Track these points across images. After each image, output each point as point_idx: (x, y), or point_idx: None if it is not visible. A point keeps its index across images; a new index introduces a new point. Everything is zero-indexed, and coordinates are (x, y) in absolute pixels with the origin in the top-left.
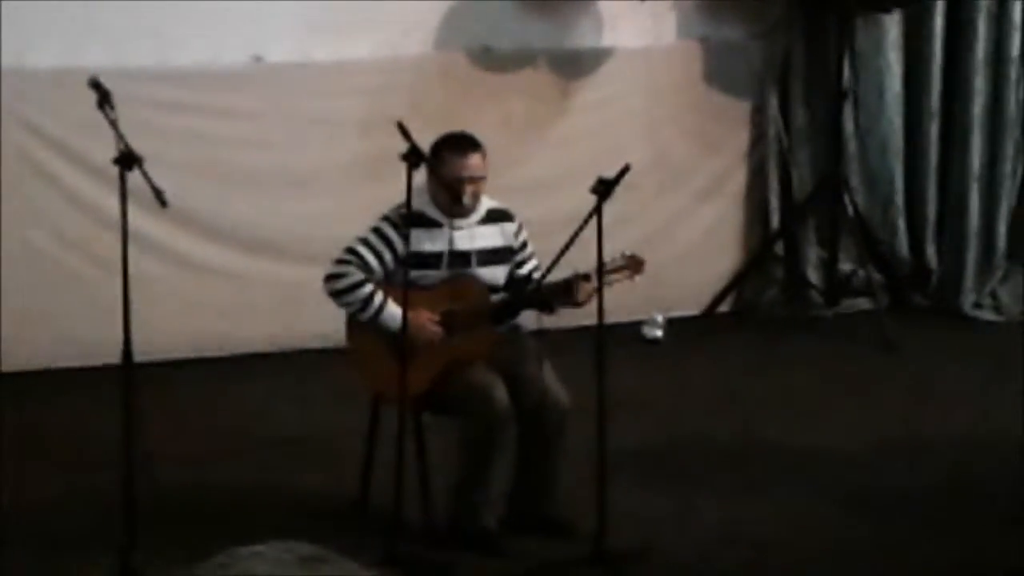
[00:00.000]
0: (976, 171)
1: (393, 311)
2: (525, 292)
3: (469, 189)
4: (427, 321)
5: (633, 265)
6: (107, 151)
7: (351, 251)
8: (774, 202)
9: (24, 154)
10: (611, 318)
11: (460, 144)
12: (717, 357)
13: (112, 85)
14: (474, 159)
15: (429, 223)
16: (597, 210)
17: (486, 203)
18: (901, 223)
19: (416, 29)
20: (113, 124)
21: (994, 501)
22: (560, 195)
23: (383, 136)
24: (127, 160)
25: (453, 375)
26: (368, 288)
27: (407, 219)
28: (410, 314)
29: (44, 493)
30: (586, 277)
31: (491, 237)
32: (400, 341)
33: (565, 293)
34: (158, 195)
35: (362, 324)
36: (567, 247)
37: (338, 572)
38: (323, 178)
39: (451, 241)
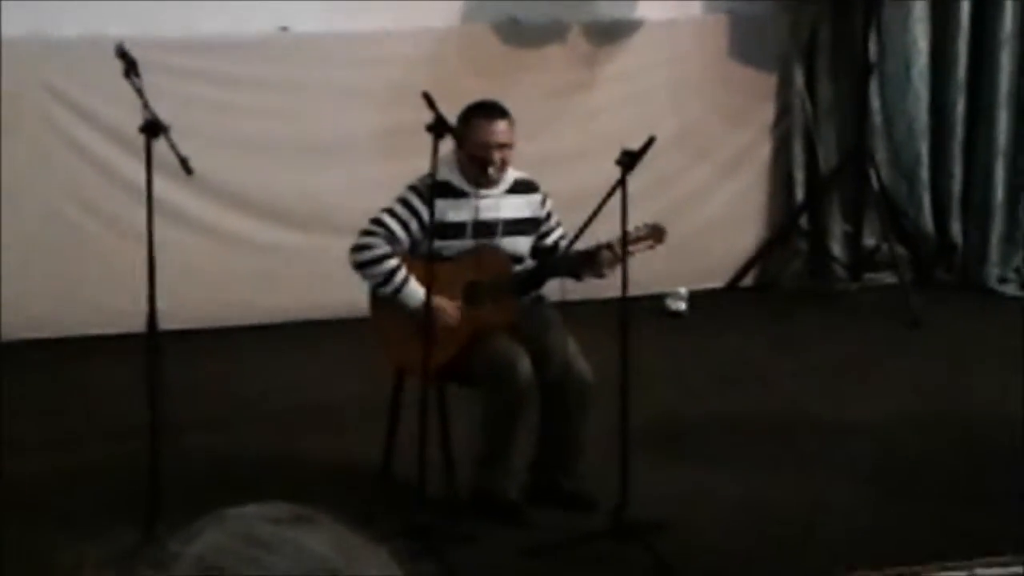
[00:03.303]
0: (1002, 146)
1: (414, 288)
2: (552, 261)
3: (497, 156)
4: (445, 309)
5: (655, 234)
6: (133, 119)
7: (378, 222)
8: (799, 176)
9: (50, 122)
10: (635, 290)
11: (489, 111)
12: (740, 330)
13: (138, 54)
14: (502, 125)
15: (455, 193)
16: (622, 182)
17: (512, 174)
18: (926, 198)
19: (443, 1)
20: (139, 92)
21: (1017, 477)
22: (586, 167)
23: (409, 108)
24: (153, 128)
25: (476, 347)
26: (392, 263)
27: (432, 189)
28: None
29: (68, 461)
30: (608, 247)
31: (517, 208)
32: (422, 314)
33: (588, 263)
34: (183, 163)
35: (386, 296)
36: (592, 218)
37: (320, 533)
38: (348, 149)
39: (476, 211)
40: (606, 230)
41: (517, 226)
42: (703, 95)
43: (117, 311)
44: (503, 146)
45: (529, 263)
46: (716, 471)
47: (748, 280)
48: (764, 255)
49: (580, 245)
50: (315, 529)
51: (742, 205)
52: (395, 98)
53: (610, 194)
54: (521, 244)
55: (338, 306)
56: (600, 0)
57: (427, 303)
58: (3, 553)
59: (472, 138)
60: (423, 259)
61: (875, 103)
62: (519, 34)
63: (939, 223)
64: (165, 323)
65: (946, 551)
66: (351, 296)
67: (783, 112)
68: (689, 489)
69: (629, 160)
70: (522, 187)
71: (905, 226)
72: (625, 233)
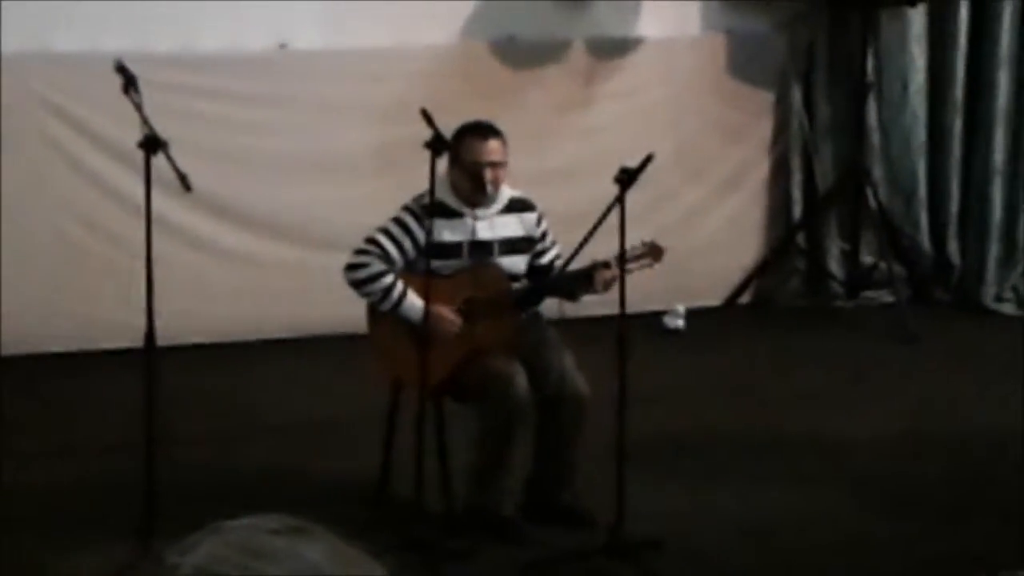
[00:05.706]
0: (999, 165)
1: (413, 302)
2: (549, 279)
3: (490, 175)
4: (445, 316)
5: (653, 252)
6: (131, 135)
7: (372, 241)
8: (796, 194)
9: (49, 138)
10: (632, 308)
11: (480, 130)
12: (738, 348)
13: (137, 70)
14: (494, 144)
15: (450, 213)
16: (620, 199)
17: (507, 192)
18: (923, 216)
19: (441, 18)
20: (138, 108)
21: (1013, 494)
22: (584, 185)
23: (406, 124)
24: (151, 144)
25: (473, 363)
26: (389, 279)
27: (429, 209)
28: (429, 308)
29: (64, 475)
30: (606, 264)
31: (512, 226)
32: (420, 330)
33: (585, 281)
34: (182, 179)
35: (383, 312)
36: (590, 235)
37: (316, 545)
38: (345, 165)
39: (472, 231)
40: (603, 247)
41: (513, 245)
42: (701, 113)
43: (115, 326)
44: (496, 164)
45: (525, 282)
46: (713, 488)
47: (746, 297)
48: (762, 272)
49: (577, 263)
50: (311, 540)
51: (740, 222)
52: (393, 115)
53: (608, 211)
54: (517, 263)
55: (335, 321)
56: (599, 17)
57: (425, 317)
58: (2, 565)
59: (465, 157)
60: (420, 276)
61: (873, 121)
62: (518, 51)
63: (936, 241)
64: (163, 338)
65: (943, 568)
66: (349, 311)
67: (781, 130)
68: (686, 506)
69: (627, 177)
70: (517, 206)
71: (902, 244)
72: (623, 251)
